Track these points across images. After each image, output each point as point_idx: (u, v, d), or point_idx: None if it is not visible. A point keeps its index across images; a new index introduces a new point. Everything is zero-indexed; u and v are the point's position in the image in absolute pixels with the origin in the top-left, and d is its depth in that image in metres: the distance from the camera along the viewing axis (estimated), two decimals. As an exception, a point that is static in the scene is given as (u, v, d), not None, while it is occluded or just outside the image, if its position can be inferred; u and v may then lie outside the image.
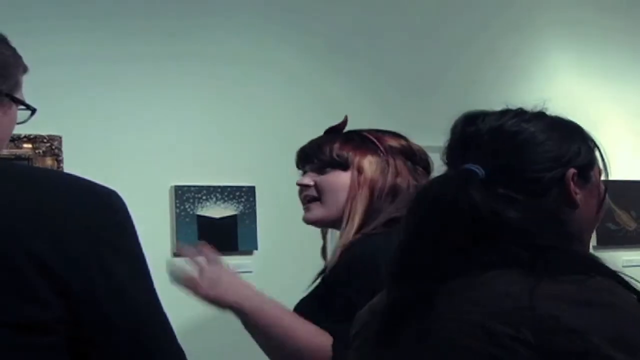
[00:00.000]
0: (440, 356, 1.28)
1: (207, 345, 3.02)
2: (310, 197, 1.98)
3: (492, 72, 4.03)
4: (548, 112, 1.43)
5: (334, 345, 1.75)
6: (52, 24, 3.15)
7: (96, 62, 3.22)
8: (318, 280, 1.99)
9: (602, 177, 1.43)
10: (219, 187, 3.38)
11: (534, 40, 4.24)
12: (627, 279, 1.26)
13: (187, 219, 3.31)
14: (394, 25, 3.86)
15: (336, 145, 1.97)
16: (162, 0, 3.42)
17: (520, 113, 1.41)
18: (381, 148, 1.97)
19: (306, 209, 2.00)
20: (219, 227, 3.34)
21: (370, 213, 1.91)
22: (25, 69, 1.47)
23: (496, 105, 1.45)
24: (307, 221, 2.01)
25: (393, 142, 2.00)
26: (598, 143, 1.44)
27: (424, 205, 1.34)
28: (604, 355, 1.16)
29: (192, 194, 3.33)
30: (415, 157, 2.01)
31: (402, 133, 2.09)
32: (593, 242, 4.16)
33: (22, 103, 1.43)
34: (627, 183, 4.29)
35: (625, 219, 4.25)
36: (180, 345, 1.31)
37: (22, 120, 1.47)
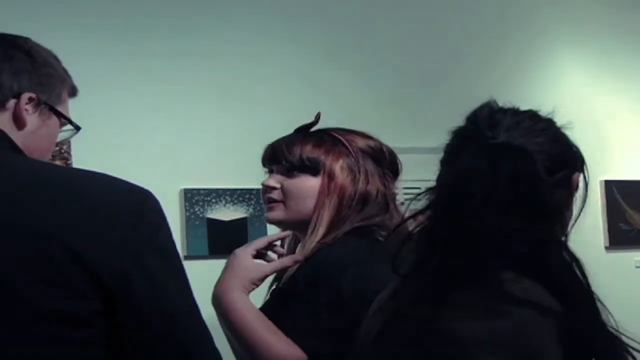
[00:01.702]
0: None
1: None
2: (273, 199, 1.91)
3: (498, 70, 4.01)
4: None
5: None
6: (56, 23, 3.13)
7: (104, 63, 3.21)
8: (278, 289, 1.94)
9: (581, 180, 1.44)
10: (229, 189, 3.36)
11: (541, 38, 4.22)
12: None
13: (197, 222, 3.30)
14: (399, 23, 3.84)
15: (307, 148, 1.89)
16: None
17: (535, 114, 1.42)
18: (352, 152, 1.90)
19: (269, 209, 1.93)
20: (229, 229, 3.32)
21: (336, 222, 1.85)
22: (73, 91, 1.51)
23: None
24: (269, 221, 1.96)
25: (364, 145, 1.92)
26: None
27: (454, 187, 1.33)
28: None
29: (202, 197, 3.32)
30: (385, 161, 1.94)
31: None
32: (605, 242, 4.14)
33: (63, 117, 1.47)
34: (637, 183, 4.27)
35: (636, 219, 4.22)
36: (215, 345, 1.32)
37: (65, 137, 1.52)
